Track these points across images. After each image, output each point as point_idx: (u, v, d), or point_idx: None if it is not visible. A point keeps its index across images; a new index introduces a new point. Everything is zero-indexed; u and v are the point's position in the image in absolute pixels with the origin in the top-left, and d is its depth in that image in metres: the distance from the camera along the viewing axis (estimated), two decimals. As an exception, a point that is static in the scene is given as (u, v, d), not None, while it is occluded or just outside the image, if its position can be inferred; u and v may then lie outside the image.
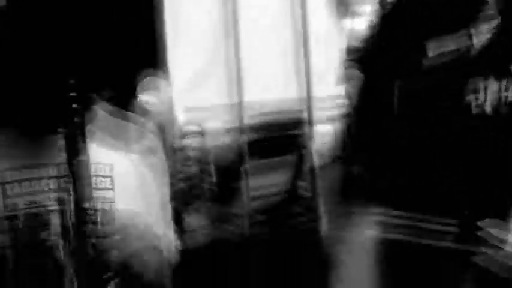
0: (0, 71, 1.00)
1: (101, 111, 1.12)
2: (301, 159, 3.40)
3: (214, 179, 3.03)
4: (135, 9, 2.48)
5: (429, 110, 2.27)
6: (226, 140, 3.14)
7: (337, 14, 3.56)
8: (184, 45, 2.96)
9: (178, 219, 1.37)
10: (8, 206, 0.97)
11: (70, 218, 0.97)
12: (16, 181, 0.98)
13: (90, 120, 1.05)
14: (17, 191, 0.98)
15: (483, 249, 1.87)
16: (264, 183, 3.24)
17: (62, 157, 0.97)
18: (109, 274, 0.89)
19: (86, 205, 0.91)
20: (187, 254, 1.23)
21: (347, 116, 3.16)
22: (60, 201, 0.99)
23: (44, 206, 0.98)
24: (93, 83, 1.06)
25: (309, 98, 3.45)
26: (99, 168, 1.03)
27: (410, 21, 2.42)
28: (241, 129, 3.15)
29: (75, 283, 0.93)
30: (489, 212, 1.92)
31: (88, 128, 0.96)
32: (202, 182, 3.00)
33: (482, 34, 1.96)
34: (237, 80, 3.15)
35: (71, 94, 0.92)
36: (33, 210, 0.98)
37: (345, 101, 3.54)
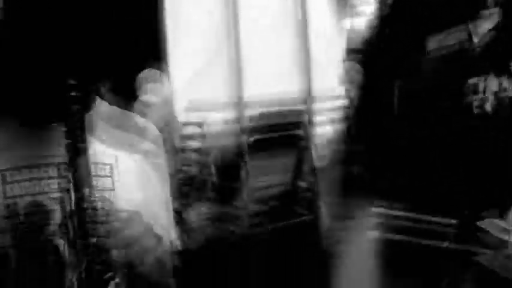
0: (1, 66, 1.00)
1: (102, 108, 1.12)
2: (301, 157, 3.40)
3: (214, 177, 3.03)
4: (136, 7, 2.48)
5: (429, 108, 2.26)
6: (227, 138, 3.14)
7: (338, 14, 3.56)
8: (185, 43, 2.96)
9: (179, 218, 1.37)
10: (8, 206, 0.96)
11: (71, 217, 0.97)
12: (16, 181, 0.98)
13: (91, 117, 1.05)
14: (17, 191, 0.98)
15: (484, 250, 1.87)
16: (264, 181, 3.24)
17: (62, 156, 0.97)
18: (110, 274, 0.89)
19: (87, 205, 0.91)
20: (188, 254, 1.24)
21: (348, 115, 3.16)
22: (61, 201, 0.99)
23: (44, 205, 0.98)
24: (93, 81, 1.06)
25: (309, 96, 3.45)
26: (99, 168, 1.03)
27: (411, 18, 2.41)
28: (241, 128, 3.15)
29: (76, 283, 0.93)
30: (489, 211, 1.92)
31: (89, 125, 0.96)
32: (202, 180, 3.00)
33: (481, 31, 1.96)
34: (238, 78, 3.14)
35: (72, 92, 0.92)
36: (34, 210, 0.98)
37: (346, 100, 3.54)
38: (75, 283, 0.92)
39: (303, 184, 3.41)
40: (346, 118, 3.45)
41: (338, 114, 3.52)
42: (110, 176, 1.05)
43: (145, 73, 2.71)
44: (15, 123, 1.02)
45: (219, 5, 3.15)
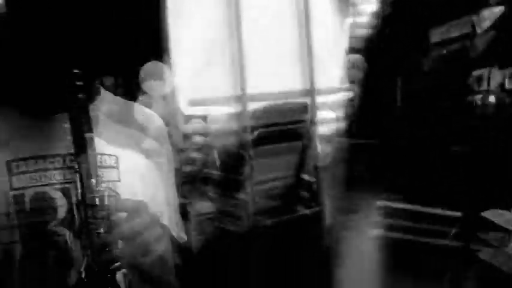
0: (5, 57, 1.00)
1: (105, 99, 1.12)
2: (305, 151, 3.40)
3: (218, 170, 3.03)
4: (138, 2, 2.48)
5: (432, 105, 2.25)
6: (230, 132, 3.14)
7: (340, 10, 3.55)
8: (188, 36, 2.96)
9: (183, 210, 1.37)
10: (15, 197, 0.97)
11: (77, 208, 0.97)
12: (22, 172, 0.98)
13: (96, 108, 1.05)
14: (24, 182, 0.98)
15: (487, 246, 1.87)
16: (267, 174, 3.24)
17: (68, 147, 0.97)
18: (117, 264, 0.89)
19: (93, 196, 0.91)
20: (192, 245, 1.24)
21: (350, 110, 3.15)
22: (67, 192, 0.99)
23: (50, 196, 0.98)
24: (98, 72, 1.06)
25: (312, 89, 3.44)
26: (104, 159, 1.03)
27: (412, 16, 2.40)
28: (245, 122, 3.15)
29: (83, 273, 0.93)
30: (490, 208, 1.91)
31: (94, 116, 0.96)
32: (206, 173, 3.00)
33: (485, 23, 1.95)
34: (241, 72, 3.14)
35: (77, 81, 0.92)
36: (40, 201, 0.98)
37: (349, 95, 3.54)
38: (82, 273, 0.92)
39: (306, 178, 3.41)
40: (349, 113, 3.46)
41: (340, 109, 3.52)
42: (115, 167, 1.05)
43: (149, 67, 2.71)
44: (21, 114, 1.02)
45: (221, 0, 3.15)
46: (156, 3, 2.79)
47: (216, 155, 3.02)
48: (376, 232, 2.99)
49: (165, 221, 1.10)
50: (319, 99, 3.47)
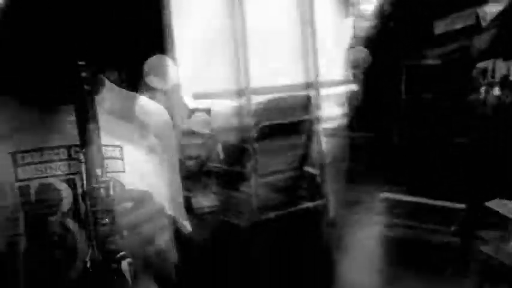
0: (10, 48, 1.00)
1: (109, 92, 1.12)
2: (308, 145, 3.40)
3: (222, 163, 3.03)
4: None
5: (436, 99, 2.24)
6: (234, 124, 3.14)
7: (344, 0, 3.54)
8: (191, 29, 2.96)
9: (187, 204, 1.37)
10: (21, 189, 0.97)
11: (82, 199, 0.98)
12: (27, 164, 0.98)
13: (101, 99, 1.06)
14: (29, 173, 0.98)
15: (490, 240, 1.87)
16: (270, 167, 3.24)
17: (73, 138, 0.97)
18: (122, 253, 0.89)
19: (98, 186, 0.92)
20: (196, 237, 1.24)
21: (354, 101, 3.15)
22: (72, 183, 0.99)
23: (55, 188, 0.99)
24: (102, 65, 1.06)
25: (315, 82, 3.44)
26: (109, 150, 1.03)
27: (417, 5, 2.39)
28: (248, 113, 3.15)
29: (88, 264, 0.94)
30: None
31: (98, 108, 0.96)
32: (210, 166, 3.00)
33: (490, 15, 1.95)
34: (244, 65, 3.14)
35: (82, 72, 0.92)
36: (45, 192, 0.98)
37: (351, 90, 3.53)
38: (88, 263, 0.93)
39: (310, 171, 3.41)
40: (352, 107, 3.46)
41: (344, 103, 3.51)
42: (120, 158, 1.05)
43: (153, 61, 2.71)
44: (25, 105, 1.02)
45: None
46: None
47: (219, 148, 3.03)
48: (378, 225, 2.99)
49: (169, 211, 1.10)
50: (323, 92, 3.47)
